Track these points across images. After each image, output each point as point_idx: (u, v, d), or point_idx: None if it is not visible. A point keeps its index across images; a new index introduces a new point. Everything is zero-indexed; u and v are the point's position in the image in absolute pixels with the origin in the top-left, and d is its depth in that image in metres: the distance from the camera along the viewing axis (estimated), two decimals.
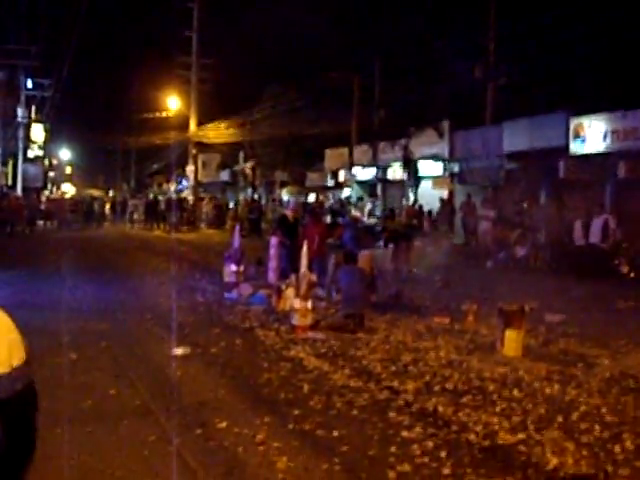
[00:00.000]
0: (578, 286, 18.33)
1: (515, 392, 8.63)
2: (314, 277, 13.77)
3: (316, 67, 45.87)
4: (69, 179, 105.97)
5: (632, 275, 20.37)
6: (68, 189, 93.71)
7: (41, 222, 45.59)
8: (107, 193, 76.88)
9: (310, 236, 16.22)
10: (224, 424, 7.33)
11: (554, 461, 6.46)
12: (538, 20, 28.62)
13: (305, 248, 13.47)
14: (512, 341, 10.53)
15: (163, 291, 16.80)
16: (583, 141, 25.50)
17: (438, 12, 36.35)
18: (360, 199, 42.14)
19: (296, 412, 7.78)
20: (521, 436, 7.10)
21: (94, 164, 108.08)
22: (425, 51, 34.56)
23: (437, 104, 34.38)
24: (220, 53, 50.72)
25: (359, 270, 13.51)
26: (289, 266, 16.11)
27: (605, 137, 24.62)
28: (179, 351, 10.48)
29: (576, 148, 25.78)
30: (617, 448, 6.81)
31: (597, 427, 7.39)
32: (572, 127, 25.96)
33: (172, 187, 73.36)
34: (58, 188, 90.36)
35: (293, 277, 13.62)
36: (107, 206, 53.86)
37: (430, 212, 32.94)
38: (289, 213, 18.29)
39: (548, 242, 22.88)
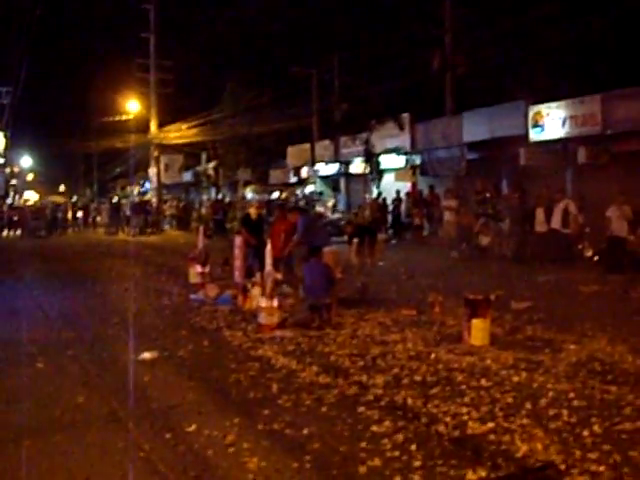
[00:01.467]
0: (543, 272, 18.49)
1: (483, 381, 8.67)
2: (279, 275, 13.76)
3: (275, 64, 45.93)
4: (31, 186, 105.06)
5: (596, 259, 20.55)
6: (31, 196, 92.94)
7: (4, 232, 45.26)
8: (70, 199, 76.24)
9: (277, 233, 16.19)
10: (193, 427, 7.29)
11: (524, 448, 6.49)
12: (493, 8, 28.81)
13: (269, 246, 13.44)
14: (479, 330, 10.57)
15: (129, 295, 16.70)
16: (542, 129, 25.71)
17: (394, 4, 36.47)
18: (321, 194, 42.14)
19: (265, 412, 7.75)
20: (490, 425, 7.13)
21: (56, 170, 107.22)
22: (382, 44, 34.58)
23: (397, 97, 34.43)
24: (179, 53, 50.57)
25: (322, 264, 13.50)
26: (255, 264, 16.07)
27: (564, 124, 24.86)
28: (146, 355, 10.41)
29: (535, 136, 26.01)
30: (585, 432, 6.86)
31: (565, 412, 7.44)
32: (531, 115, 26.18)
33: (135, 190, 72.97)
34: (20, 196, 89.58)
35: (259, 276, 13.59)
36: (69, 212, 53.40)
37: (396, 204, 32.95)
38: (252, 211, 18.22)
39: (512, 230, 22.98)
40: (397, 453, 6.50)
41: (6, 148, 60.17)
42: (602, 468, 6.04)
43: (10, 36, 46.32)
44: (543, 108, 25.78)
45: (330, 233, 21.08)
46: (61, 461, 6.63)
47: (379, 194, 34.13)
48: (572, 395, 8.05)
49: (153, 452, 6.71)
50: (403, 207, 32.89)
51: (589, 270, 19.08)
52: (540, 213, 21.42)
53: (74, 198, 74.78)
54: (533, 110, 26.14)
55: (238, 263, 17.32)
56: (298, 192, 46.35)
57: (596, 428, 6.97)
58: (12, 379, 9.25)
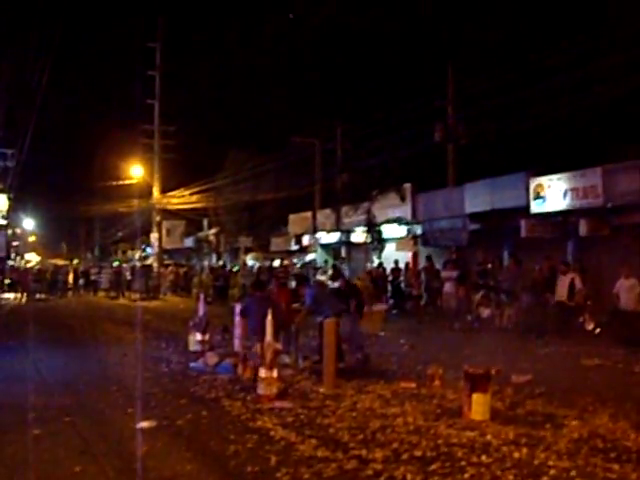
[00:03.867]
0: (544, 345, 18.42)
1: (484, 457, 8.59)
2: (279, 345, 13.70)
3: (278, 133, 46.36)
4: (33, 248, 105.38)
5: (597, 332, 20.50)
6: (32, 258, 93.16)
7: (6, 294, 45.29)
8: (71, 262, 76.40)
9: (276, 302, 16.16)
10: None
11: None
12: (494, 82, 29.12)
13: (269, 317, 13.42)
14: (479, 405, 10.50)
15: (128, 362, 16.63)
16: (543, 200, 25.81)
17: (396, 76, 36.93)
18: (326, 262, 42.16)
19: None
20: None
21: (57, 233, 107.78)
22: (385, 114, 34.91)
23: (398, 167, 34.65)
24: (182, 120, 51.10)
25: (265, 300, 14.24)
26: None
27: (565, 196, 24.94)
28: (145, 424, 10.34)
29: (537, 207, 26.09)
30: None
31: None
32: (532, 187, 26.29)
33: (137, 255, 73.14)
34: (22, 258, 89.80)
35: (258, 346, 13.54)
36: (70, 275, 53.43)
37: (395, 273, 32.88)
38: (264, 277, 18.34)
39: (513, 302, 22.95)
40: None
41: (9, 210, 60.30)
42: None
43: (16, 100, 46.64)
44: (544, 180, 25.91)
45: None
46: None
47: (380, 264, 34.09)
48: (574, 473, 7.97)
49: None
50: (402, 277, 32.78)
51: (590, 343, 19.00)
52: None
53: (75, 261, 74.92)
54: (534, 182, 26.27)
55: (238, 331, 17.28)
56: (295, 260, 46.44)
57: None
58: (11, 446, 9.18)
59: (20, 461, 8.66)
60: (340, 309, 15.80)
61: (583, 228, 24.42)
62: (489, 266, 25.52)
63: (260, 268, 41.77)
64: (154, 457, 8.91)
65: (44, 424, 10.32)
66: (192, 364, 15.77)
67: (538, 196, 26.12)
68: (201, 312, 18.21)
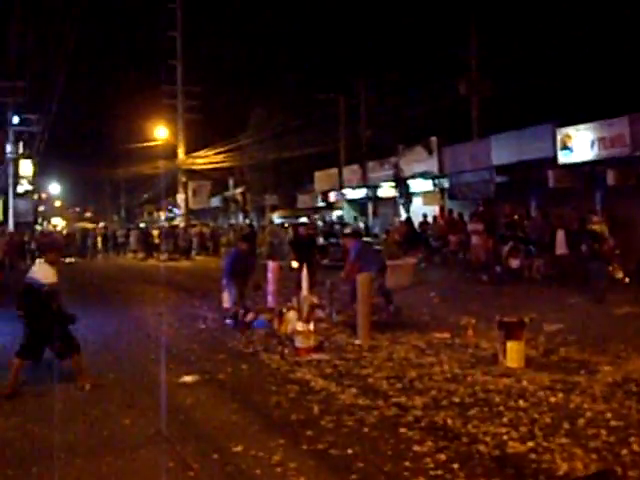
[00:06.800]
0: (574, 294, 18.51)
1: (521, 402, 8.81)
2: (315, 299, 13.91)
3: (301, 90, 46.26)
4: (59, 213, 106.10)
5: (627, 280, 20.54)
6: (58, 223, 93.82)
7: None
8: (97, 225, 76.98)
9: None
10: (240, 448, 7.48)
11: (564, 467, 6.63)
12: (518, 32, 28.98)
13: (305, 271, 13.63)
14: (514, 352, 10.70)
15: (164, 320, 16.91)
16: (571, 151, 25.75)
17: (420, 30, 36.72)
18: (355, 219, 42.27)
19: (309, 432, 7.94)
20: (530, 444, 7.27)
21: (84, 196, 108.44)
22: (409, 68, 34.82)
23: (424, 121, 34.63)
24: (206, 80, 51.06)
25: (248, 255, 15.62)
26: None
27: (592, 146, 24.87)
28: (187, 379, 10.63)
29: (564, 158, 26.03)
30: (624, 451, 6.99)
31: (603, 432, 7.57)
32: (559, 138, 26.21)
33: (163, 216, 73.51)
34: (49, 222, 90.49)
35: (294, 299, 13.77)
36: (99, 238, 53.77)
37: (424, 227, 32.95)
38: (302, 230, 18.59)
39: (540, 252, 23.01)
40: (440, 472, 6.66)
41: (35, 175, 60.77)
42: None
43: (42, 66, 46.80)
44: (571, 130, 25.82)
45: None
46: None
47: (408, 218, 34.17)
48: (609, 415, 8.17)
49: (202, 472, 6.91)
50: (430, 231, 32.84)
51: (620, 292, 19.04)
52: (561, 235, 21.41)
53: (101, 224, 75.53)
54: (561, 133, 26.18)
55: (271, 287, 17.51)
56: (326, 216, 46.43)
57: (635, 447, 7.09)
58: (61, 402, 9.46)
59: (71, 416, 8.96)
60: (383, 264, 16.04)
61: (611, 178, 24.34)
62: (516, 217, 25.52)
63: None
64: (199, 409, 9.20)
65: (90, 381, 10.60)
66: (228, 320, 16.00)
67: (565, 147, 26.05)
68: None
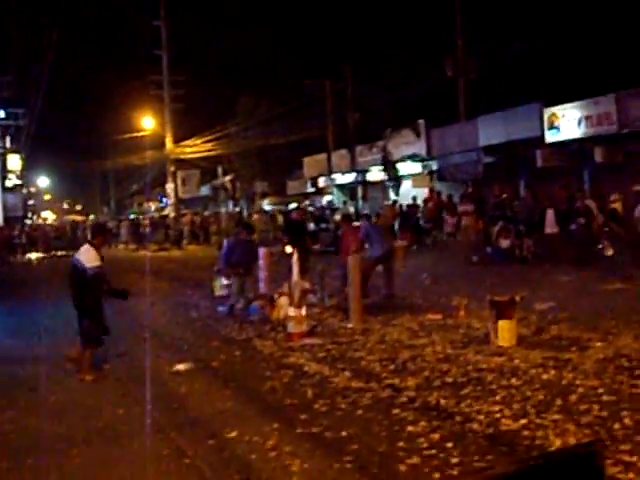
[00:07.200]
0: (564, 273, 18.55)
1: (513, 380, 8.86)
2: (307, 284, 13.95)
3: (287, 75, 46.15)
4: (49, 206, 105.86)
5: (616, 257, 20.59)
6: (48, 216, 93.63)
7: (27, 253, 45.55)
8: (87, 217, 76.75)
9: (348, 242, 16.39)
10: (234, 433, 7.53)
11: (557, 442, 6.69)
12: (503, 12, 29.00)
13: (295, 256, 13.65)
14: (505, 331, 10.74)
15: (157, 309, 16.95)
16: (558, 130, 25.83)
17: (405, 12, 36.71)
18: (344, 203, 42.28)
19: (303, 416, 7.98)
20: (523, 421, 7.33)
21: (73, 189, 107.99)
22: (394, 52, 34.78)
23: (411, 104, 34.63)
24: (191, 69, 50.87)
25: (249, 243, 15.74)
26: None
27: (579, 124, 24.95)
28: (181, 367, 10.66)
29: (551, 137, 26.12)
30: (617, 425, 7.04)
31: (596, 407, 7.62)
32: (546, 117, 26.31)
33: (153, 206, 73.36)
34: (38, 216, 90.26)
35: (286, 285, 13.79)
36: (89, 230, 53.65)
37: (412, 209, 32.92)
38: (295, 215, 18.65)
39: (530, 232, 23.05)
40: (434, 451, 6.70)
41: (23, 169, 60.68)
42: (635, 459, 6.21)
43: (26, 59, 46.63)
44: (558, 109, 25.90)
45: None
46: (109, 469, 6.88)
47: (394, 202, 34.13)
48: (601, 390, 8.22)
49: (198, 458, 6.96)
50: (420, 213, 32.84)
51: (611, 269, 19.10)
52: (550, 215, 21.44)
53: (91, 216, 75.33)
54: (548, 112, 26.26)
55: (263, 274, 17.52)
56: (317, 202, 46.43)
57: (627, 421, 7.14)
58: (55, 394, 9.51)
59: (66, 406, 9.00)
60: (391, 246, 16.17)
61: (598, 155, 24.46)
62: (504, 196, 25.59)
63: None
64: (193, 397, 9.25)
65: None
66: (220, 308, 16.02)
67: (552, 126, 26.14)
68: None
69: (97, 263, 10.54)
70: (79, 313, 10.56)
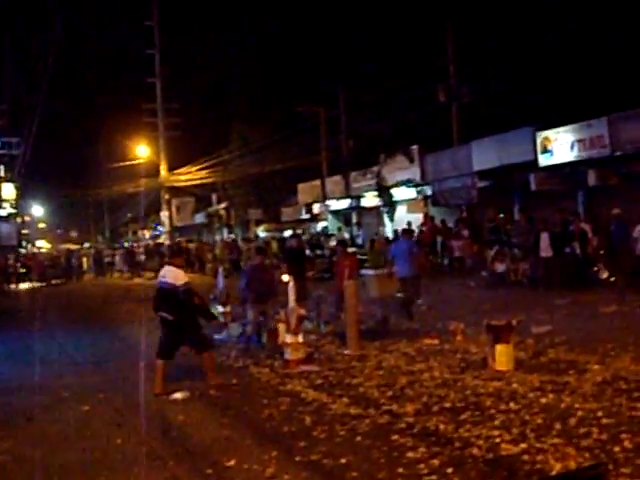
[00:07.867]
0: (560, 296, 18.55)
1: (512, 404, 8.83)
2: (303, 311, 13.90)
3: (281, 103, 46.32)
4: (43, 235, 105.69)
5: (612, 280, 20.62)
6: (43, 245, 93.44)
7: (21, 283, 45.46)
8: (82, 246, 76.64)
9: (342, 269, 16.40)
10: (233, 462, 7.48)
11: (557, 466, 6.65)
12: (495, 38, 29.13)
13: (291, 283, 13.62)
14: (503, 355, 10.73)
15: (153, 338, 16.84)
16: (551, 154, 25.89)
17: (397, 39, 36.87)
18: (339, 229, 42.28)
19: (301, 444, 7.94)
20: (523, 446, 7.29)
21: (67, 218, 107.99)
22: (388, 78, 34.89)
23: (405, 129, 34.72)
24: (185, 96, 51.03)
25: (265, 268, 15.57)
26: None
27: (572, 147, 25.01)
28: (178, 396, 10.61)
29: (545, 161, 26.18)
30: (617, 448, 7.01)
31: (595, 430, 7.60)
32: (539, 141, 26.38)
33: (147, 234, 73.35)
34: (33, 245, 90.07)
35: (282, 312, 13.75)
36: (84, 259, 53.60)
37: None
38: (294, 243, 18.77)
39: (525, 256, 23.06)
40: (434, 477, 6.67)
41: (17, 198, 60.66)
42: None
43: (21, 87, 46.74)
44: (551, 133, 25.98)
45: None
46: None
47: (386, 238, 33.91)
48: (600, 413, 8.20)
49: None
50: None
51: (606, 292, 19.10)
52: (545, 238, 21.44)
53: (86, 245, 75.21)
54: (541, 136, 26.34)
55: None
56: (299, 231, 46.42)
57: (627, 444, 7.12)
58: (52, 425, 9.46)
59: (63, 438, 8.93)
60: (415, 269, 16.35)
61: (592, 178, 24.51)
62: (500, 216, 25.64)
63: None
64: (191, 425, 9.19)
65: (80, 402, 10.61)
66: (216, 336, 15.96)
67: (545, 150, 26.21)
68: (221, 285, 18.37)
69: (186, 279, 11.18)
70: (176, 331, 11.20)
